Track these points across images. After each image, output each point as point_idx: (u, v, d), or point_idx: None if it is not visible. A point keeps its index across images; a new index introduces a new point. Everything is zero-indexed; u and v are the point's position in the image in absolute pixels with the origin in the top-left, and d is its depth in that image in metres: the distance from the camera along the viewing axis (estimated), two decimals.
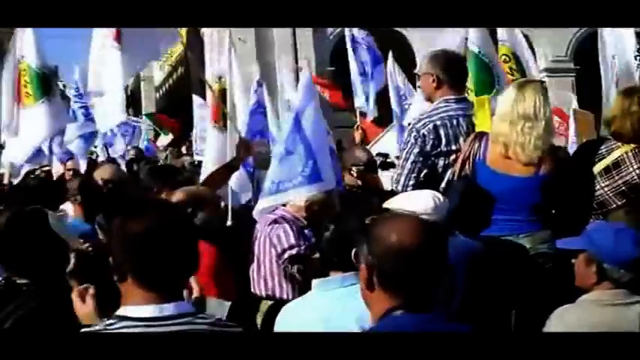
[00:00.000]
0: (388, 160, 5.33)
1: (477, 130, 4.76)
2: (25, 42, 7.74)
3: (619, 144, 4.49)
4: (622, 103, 4.57)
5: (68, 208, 6.05)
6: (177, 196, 5.12)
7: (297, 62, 26.53)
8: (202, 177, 6.75)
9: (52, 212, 3.92)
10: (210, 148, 7.49)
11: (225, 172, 6.26)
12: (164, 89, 49.81)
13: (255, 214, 5.62)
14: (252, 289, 5.45)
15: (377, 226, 2.56)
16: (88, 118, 11.23)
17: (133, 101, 55.07)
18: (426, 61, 5.09)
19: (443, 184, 4.69)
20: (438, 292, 2.51)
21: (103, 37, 6.48)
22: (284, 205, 5.44)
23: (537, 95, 4.36)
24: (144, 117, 24.89)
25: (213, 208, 5.25)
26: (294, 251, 5.18)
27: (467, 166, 4.54)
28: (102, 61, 6.56)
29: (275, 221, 5.36)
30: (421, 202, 4.15)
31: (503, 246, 4.41)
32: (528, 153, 4.32)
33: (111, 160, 11.39)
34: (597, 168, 4.48)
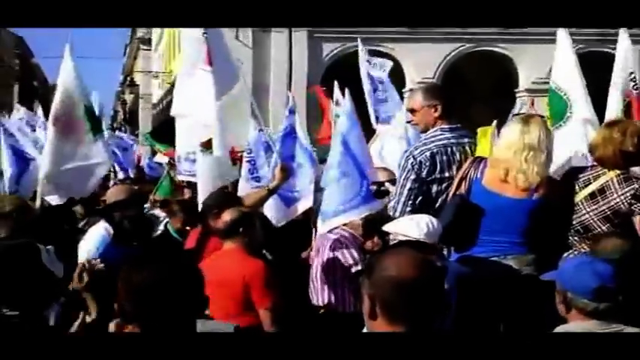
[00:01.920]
0: (382, 188, 5.36)
1: (477, 155, 4.84)
2: (68, 74, 7.69)
3: (605, 170, 4.54)
4: (604, 132, 4.69)
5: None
6: (231, 214, 5.26)
7: (290, 81, 26.68)
8: (200, 200, 6.73)
9: (45, 247, 3.89)
10: (200, 172, 7.38)
11: (265, 195, 6.43)
12: (162, 106, 49.77)
13: (320, 233, 5.84)
14: (317, 302, 5.67)
15: (377, 259, 2.61)
16: None
17: (131, 118, 55.23)
18: (424, 94, 5.14)
19: (436, 209, 4.74)
20: (438, 322, 2.59)
21: (193, 62, 6.64)
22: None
23: (541, 129, 4.49)
24: (142, 136, 24.85)
25: (257, 226, 5.36)
26: (359, 267, 5.42)
27: (463, 186, 4.60)
28: (189, 85, 6.72)
29: (338, 241, 5.61)
30: (417, 226, 4.31)
31: (490, 268, 4.44)
32: (530, 180, 4.40)
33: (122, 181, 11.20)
34: (584, 193, 4.53)
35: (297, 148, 7.83)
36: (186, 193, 7.33)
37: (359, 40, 10.40)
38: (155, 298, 2.59)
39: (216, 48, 6.62)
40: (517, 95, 29.80)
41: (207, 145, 7.20)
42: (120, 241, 5.31)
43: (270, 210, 6.87)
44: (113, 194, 6.25)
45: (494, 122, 6.54)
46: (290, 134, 7.94)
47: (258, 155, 8.35)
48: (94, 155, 7.61)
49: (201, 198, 6.63)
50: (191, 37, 6.79)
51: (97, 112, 10.31)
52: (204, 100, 6.58)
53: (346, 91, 5.98)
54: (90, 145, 7.60)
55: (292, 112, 8.29)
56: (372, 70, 9.65)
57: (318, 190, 6.96)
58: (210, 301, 4.91)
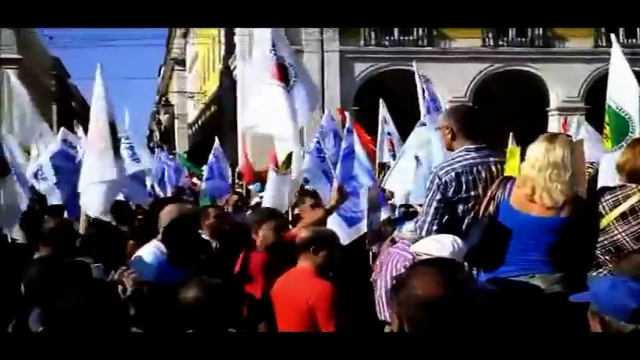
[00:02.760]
0: (411, 209, 5.38)
1: (506, 174, 4.81)
2: (98, 93, 7.81)
3: (635, 190, 4.48)
4: (633, 147, 4.68)
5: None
6: (305, 234, 5.31)
7: (323, 101, 26.82)
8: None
9: (95, 265, 3.95)
10: (270, 192, 7.47)
11: (322, 215, 6.50)
12: (197, 126, 50.18)
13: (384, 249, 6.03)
14: (380, 317, 5.75)
15: (403, 278, 2.63)
16: (134, 158, 11.20)
17: (166, 138, 55.74)
18: (443, 115, 5.28)
19: (463, 228, 4.75)
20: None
21: (260, 77, 6.83)
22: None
23: (566, 147, 4.45)
24: (178, 155, 25.06)
25: (334, 247, 5.39)
26: None
27: (491, 206, 4.59)
28: (259, 101, 6.85)
29: (400, 255, 5.67)
30: (441, 246, 4.34)
31: (518, 287, 4.40)
32: (554, 197, 4.37)
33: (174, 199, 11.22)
34: (614, 213, 4.46)
35: (357, 168, 7.82)
36: (212, 213, 7.33)
37: (414, 63, 10.40)
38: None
39: (291, 67, 6.77)
40: (549, 114, 29.69)
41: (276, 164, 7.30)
42: (177, 262, 5.30)
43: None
44: (167, 213, 6.23)
45: (510, 137, 6.44)
46: (349, 154, 7.93)
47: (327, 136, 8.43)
48: (112, 173, 7.66)
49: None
50: (258, 53, 6.87)
51: (126, 130, 10.35)
52: (278, 114, 6.68)
53: (431, 106, 6.05)
54: (112, 162, 7.65)
55: (350, 131, 8.27)
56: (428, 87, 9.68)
57: (373, 211, 7.00)
58: (282, 317, 5.06)
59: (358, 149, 7.98)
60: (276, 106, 6.67)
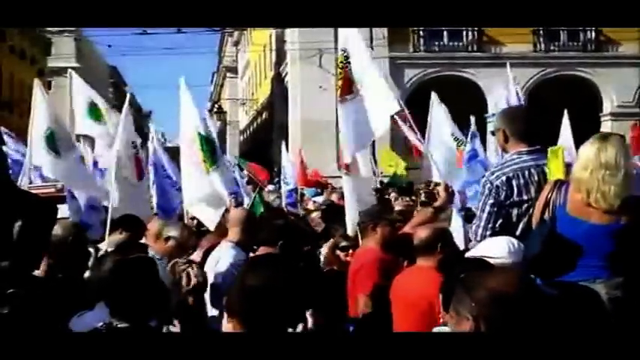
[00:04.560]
0: (470, 213, 5.35)
1: (550, 178, 4.70)
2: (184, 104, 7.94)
3: None
4: None
5: None
6: (424, 231, 5.34)
7: None
8: (348, 223, 7.07)
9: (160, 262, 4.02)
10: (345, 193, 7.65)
11: (431, 214, 6.47)
12: (248, 132, 50.52)
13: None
14: None
15: (479, 279, 2.61)
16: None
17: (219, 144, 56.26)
18: (497, 118, 5.28)
19: (518, 233, 4.70)
20: None
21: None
22: None
23: (619, 147, 4.29)
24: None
25: (454, 245, 5.42)
26: None
27: (547, 213, 4.46)
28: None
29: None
30: (498, 247, 4.28)
31: (579, 292, 4.28)
32: (609, 201, 4.21)
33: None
34: None
35: (480, 171, 7.84)
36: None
37: (507, 64, 10.43)
38: (262, 300, 2.76)
39: (359, 73, 6.90)
40: (602, 119, 29.23)
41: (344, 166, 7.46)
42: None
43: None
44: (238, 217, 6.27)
45: (559, 142, 6.34)
46: (473, 157, 8.01)
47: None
48: (211, 187, 7.73)
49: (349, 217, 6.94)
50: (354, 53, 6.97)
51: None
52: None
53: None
54: (207, 176, 7.73)
55: (475, 136, 8.46)
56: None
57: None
58: (401, 319, 5.07)
59: (482, 153, 8.09)
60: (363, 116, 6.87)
